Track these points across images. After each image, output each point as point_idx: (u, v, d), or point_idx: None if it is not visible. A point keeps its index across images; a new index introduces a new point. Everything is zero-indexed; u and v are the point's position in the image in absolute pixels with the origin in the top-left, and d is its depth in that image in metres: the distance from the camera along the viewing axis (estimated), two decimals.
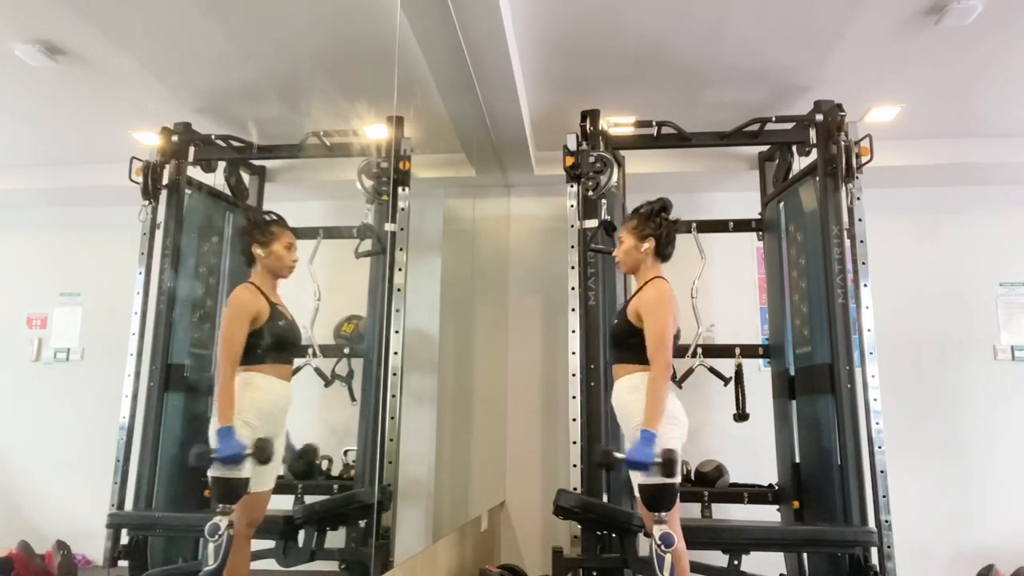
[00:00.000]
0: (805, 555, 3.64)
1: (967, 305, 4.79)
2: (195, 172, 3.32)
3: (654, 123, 3.89)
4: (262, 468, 2.30)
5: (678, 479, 2.59)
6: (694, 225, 3.98)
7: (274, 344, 2.35)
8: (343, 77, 3.19)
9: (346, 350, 3.44)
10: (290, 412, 2.46)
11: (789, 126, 3.92)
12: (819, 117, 3.76)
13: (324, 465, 3.50)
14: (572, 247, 3.63)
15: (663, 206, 2.86)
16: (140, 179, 3.03)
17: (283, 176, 3.81)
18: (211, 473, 2.19)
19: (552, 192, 4.69)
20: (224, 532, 2.10)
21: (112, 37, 2.66)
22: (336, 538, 2.95)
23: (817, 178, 3.69)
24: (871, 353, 3.42)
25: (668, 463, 2.51)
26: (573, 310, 3.57)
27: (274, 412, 2.35)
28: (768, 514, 3.89)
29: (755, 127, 3.89)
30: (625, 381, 2.73)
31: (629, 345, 2.73)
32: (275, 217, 2.48)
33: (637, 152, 4.20)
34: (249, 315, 2.31)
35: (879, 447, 3.33)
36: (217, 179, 3.45)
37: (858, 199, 3.56)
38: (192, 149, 3.25)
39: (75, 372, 3.08)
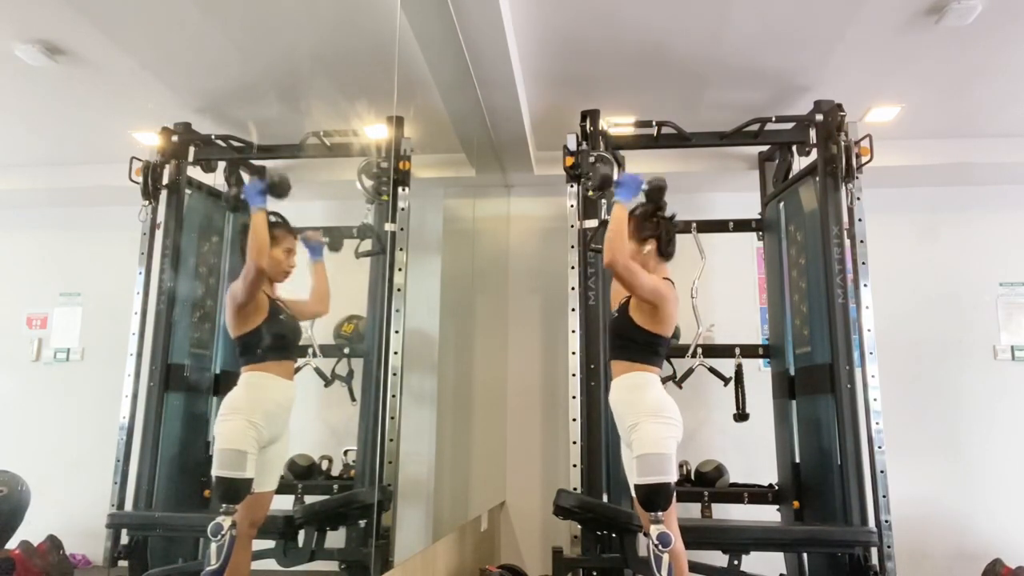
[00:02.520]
0: (805, 555, 3.64)
1: (967, 305, 4.79)
2: (195, 172, 3.32)
3: (654, 123, 3.89)
4: (265, 469, 2.30)
5: (674, 478, 2.59)
6: (694, 225, 3.98)
7: (275, 340, 2.34)
8: (343, 77, 3.19)
9: (346, 350, 3.45)
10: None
11: (789, 126, 3.92)
12: (819, 117, 3.76)
13: (324, 465, 3.50)
14: (572, 247, 3.63)
15: (656, 203, 2.85)
16: (140, 179, 3.03)
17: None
18: (215, 472, 2.19)
19: (552, 192, 4.68)
20: (227, 532, 2.10)
21: (112, 37, 2.66)
22: (336, 538, 2.95)
23: (817, 178, 3.69)
24: (871, 353, 3.42)
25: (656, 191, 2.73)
26: (573, 310, 3.57)
27: (278, 412, 2.35)
28: (768, 514, 3.89)
29: (755, 127, 3.89)
30: (623, 380, 2.73)
31: (628, 340, 2.73)
32: (279, 219, 2.46)
33: (637, 152, 4.19)
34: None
35: (879, 447, 3.33)
36: (217, 179, 3.45)
37: (858, 199, 3.56)
38: (192, 149, 3.25)
39: (75, 372, 3.08)
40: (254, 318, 2.32)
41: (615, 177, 2.81)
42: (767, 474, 3.92)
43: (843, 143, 3.56)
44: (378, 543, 2.85)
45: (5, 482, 2.47)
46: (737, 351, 3.97)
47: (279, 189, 2.34)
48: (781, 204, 4.08)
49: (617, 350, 2.81)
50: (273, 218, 2.44)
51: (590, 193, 3.61)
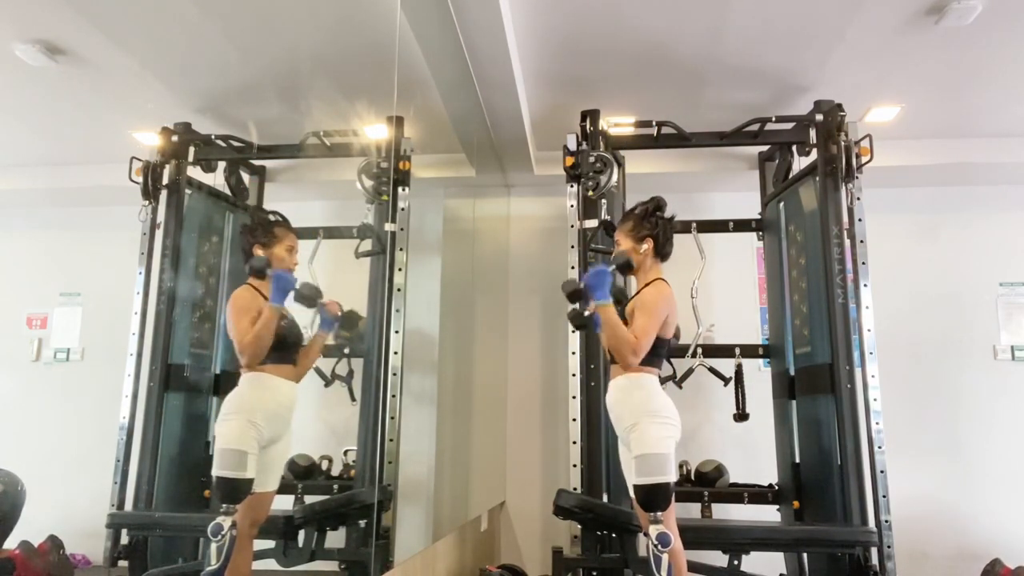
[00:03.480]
0: (805, 555, 3.64)
1: (967, 305, 4.79)
2: (195, 172, 3.32)
3: (654, 123, 3.89)
4: (266, 469, 2.30)
5: (673, 478, 2.59)
6: (694, 225, 3.98)
7: (277, 343, 2.35)
8: (343, 77, 3.19)
9: (346, 350, 3.44)
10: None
11: (789, 126, 3.92)
12: (819, 117, 3.76)
13: (324, 465, 3.50)
14: (572, 247, 3.63)
15: (657, 205, 2.86)
16: (140, 179, 3.03)
17: (283, 176, 3.81)
18: (215, 472, 2.19)
19: (552, 192, 4.68)
20: (227, 532, 2.10)
21: (112, 37, 2.66)
22: (336, 538, 2.95)
23: (817, 178, 3.69)
24: (871, 353, 3.42)
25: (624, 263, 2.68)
26: None
27: (280, 412, 2.35)
28: (768, 514, 3.89)
29: (755, 127, 3.89)
30: (621, 380, 2.73)
31: None
32: (279, 218, 2.48)
33: (637, 152, 4.20)
34: (252, 311, 2.31)
35: (879, 447, 3.33)
36: (217, 179, 3.45)
37: (858, 199, 3.56)
38: (192, 149, 3.25)
39: (75, 372, 3.08)
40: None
41: (580, 284, 2.74)
42: (767, 474, 3.92)
43: (843, 143, 3.56)
44: (378, 543, 2.85)
45: (2, 480, 2.47)
46: (737, 351, 3.98)
47: (307, 301, 2.43)
48: (781, 204, 4.08)
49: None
50: (274, 217, 2.46)
51: (590, 193, 3.61)
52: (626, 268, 2.81)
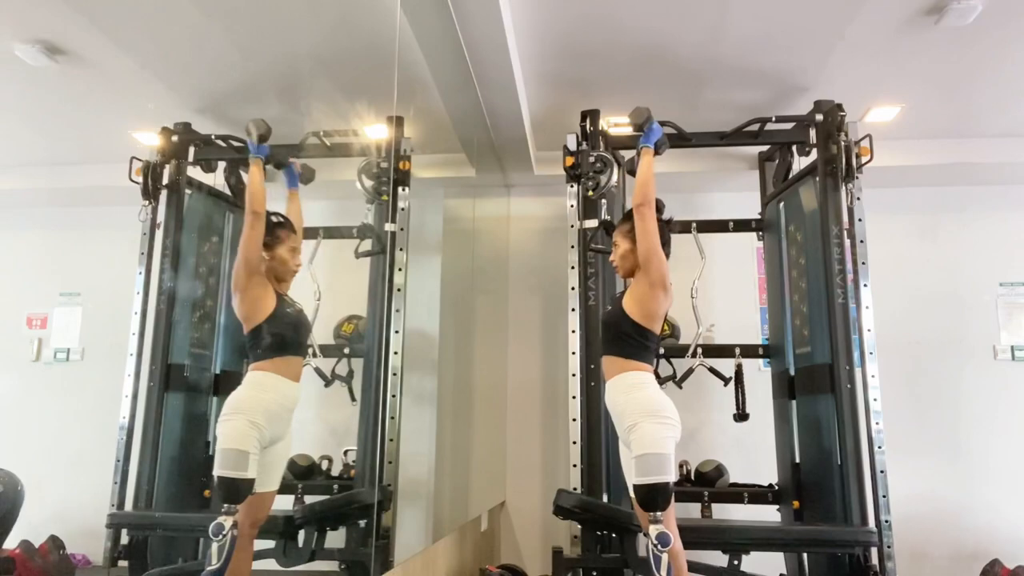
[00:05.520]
0: (805, 555, 3.64)
1: (967, 305, 4.79)
2: (195, 172, 3.32)
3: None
4: (267, 469, 2.30)
5: (673, 478, 2.59)
6: (694, 225, 3.98)
7: (285, 335, 2.34)
8: (343, 77, 3.19)
9: (346, 350, 3.45)
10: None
11: (789, 126, 3.91)
12: (819, 117, 3.75)
13: (324, 465, 3.50)
14: (572, 247, 3.63)
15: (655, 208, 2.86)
16: (140, 179, 3.03)
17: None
18: (216, 472, 2.19)
19: (552, 192, 4.69)
20: (228, 532, 2.09)
21: (112, 37, 2.66)
22: (336, 538, 2.95)
23: (817, 178, 3.69)
24: (871, 353, 3.42)
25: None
26: (573, 310, 3.56)
27: (281, 413, 2.34)
28: (768, 514, 3.89)
29: (755, 127, 3.89)
30: (619, 380, 2.72)
31: (621, 334, 2.73)
32: (282, 220, 2.47)
33: None
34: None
35: (879, 447, 3.33)
36: (217, 179, 3.45)
37: (858, 199, 3.56)
38: (192, 149, 3.25)
39: (75, 372, 3.08)
40: (263, 305, 2.31)
41: (651, 120, 2.94)
42: (767, 474, 3.92)
43: (843, 143, 3.55)
44: (378, 543, 2.85)
45: (2, 480, 2.47)
46: (737, 351, 3.97)
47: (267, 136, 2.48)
48: (781, 204, 4.08)
49: (609, 344, 2.81)
50: (276, 218, 2.45)
51: (590, 193, 3.61)
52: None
